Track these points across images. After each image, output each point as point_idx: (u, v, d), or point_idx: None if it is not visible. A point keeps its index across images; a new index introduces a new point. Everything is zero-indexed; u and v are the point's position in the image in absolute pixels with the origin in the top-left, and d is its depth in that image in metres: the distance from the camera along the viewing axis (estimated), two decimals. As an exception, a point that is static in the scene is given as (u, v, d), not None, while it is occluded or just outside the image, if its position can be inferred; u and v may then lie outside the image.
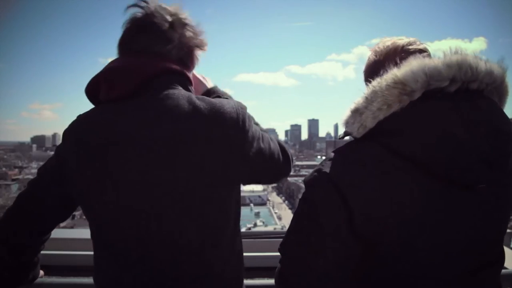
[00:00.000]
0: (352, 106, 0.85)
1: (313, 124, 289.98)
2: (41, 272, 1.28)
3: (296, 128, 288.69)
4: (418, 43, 0.98)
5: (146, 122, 0.89)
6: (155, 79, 0.94)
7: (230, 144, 0.91)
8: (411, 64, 0.80)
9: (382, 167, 0.79)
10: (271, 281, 1.00)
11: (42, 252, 1.66)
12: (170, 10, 1.01)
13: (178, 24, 1.01)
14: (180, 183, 0.89)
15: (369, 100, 0.82)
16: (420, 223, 0.77)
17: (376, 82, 0.82)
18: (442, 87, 0.80)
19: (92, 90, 0.98)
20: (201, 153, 0.88)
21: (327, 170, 0.81)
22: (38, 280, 1.26)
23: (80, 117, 0.98)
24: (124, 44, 1.01)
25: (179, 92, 0.93)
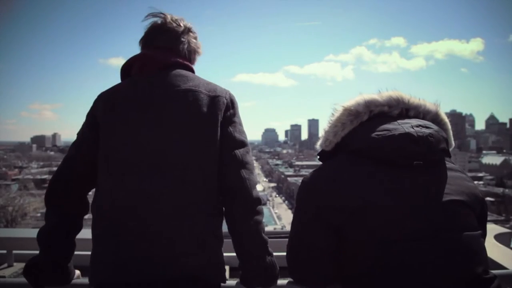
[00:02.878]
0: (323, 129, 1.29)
1: (313, 124, 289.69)
2: (77, 272, 1.35)
3: (296, 128, 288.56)
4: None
5: (164, 86, 1.28)
6: (172, 66, 1.34)
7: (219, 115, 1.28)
8: (355, 97, 1.25)
9: (345, 167, 1.13)
10: None
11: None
12: (180, 20, 1.43)
13: (186, 31, 1.43)
14: (181, 134, 1.23)
15: (331, 122, 1.25)
16: (377, 197, 1.05)
17: (335, 111, 1.25)
18: (385, 111, 1.19)
19: (125, 68, 1.38)
20: (200, 115, 1.25)
21: (308, 177, 1.21)
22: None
23: (112, 87, 1.36)
24: (148, 40, 1.41)
25: (187, 71, 1.36)
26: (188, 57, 1.41)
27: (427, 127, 1.10)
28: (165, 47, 1.37)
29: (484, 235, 1.14)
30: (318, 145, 1.30)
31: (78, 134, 1.34)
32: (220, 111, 1.28)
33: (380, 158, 1.07)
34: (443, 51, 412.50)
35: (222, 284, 1.26)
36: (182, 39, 1.40)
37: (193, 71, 1.40)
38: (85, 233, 1.20)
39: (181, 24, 1.42)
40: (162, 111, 1.23)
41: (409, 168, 1.06)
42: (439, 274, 0.98)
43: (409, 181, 1.06)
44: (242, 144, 1.30)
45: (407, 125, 1.09)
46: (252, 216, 1.24)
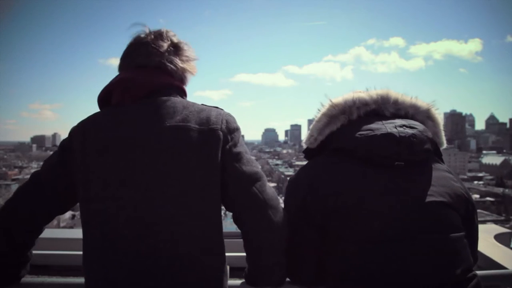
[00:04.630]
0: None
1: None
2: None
3: (296, 128, 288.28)
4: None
5: (148, 122, 1.08)
6: (161, 89, 1.14)
7: (218, 145, 1.09)
8: (344, 95, 1.22)
9: (328, 165, 1.13)
10: None
11: (42, 252, 1.64)
12: (166, 33, 1.21)
13: (175, 47, 1.20)
14: (172, 181, 1.05)
15: (317, 119, 1.22)
16: (358, 197, 1.05)
17: (322, 107, 1.22)
18: (373, 109, 1.17)
19: (104, 96, 1.16)
20: (190, 152, 1.06)
21: (293, 176, 1.21)
22: (39, 279, 1.28)
23: (89, 117, 1.15)
24: (127, 59, 1.20)
25: (175, 99, 1.14)
26: (178, 76, 1.20)
27: (411, 127, 1.08)
28: (149, 66, 1.16)
29: (471, 235, 1.12)
30: (303, 143, 1.27)
31: (45, 168, 1.15)
32: (216, 149, 1.08)
33: (362, 157, 1.07)
34: (442, 52, 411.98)
35: (232, 283, 1.23)
36: (170, 55, 1.18)
37: (184, 93, 1.22)
38: (76, 233, 1.14)
39: (168, 38, 1.20)
40: (146, 157, 1.05)
41: (391, 168, 1.06)
42: (418, 275, 0.98)
43: (391, 181, 1.05)
44: (256, 176, 1.12)
45: (391, 125, 1.08)
46: (282, 254, 1.16)
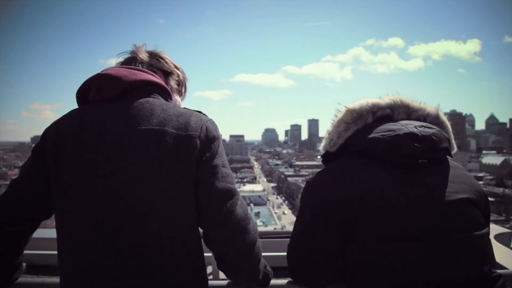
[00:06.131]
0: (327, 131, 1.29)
1: (313, 124, 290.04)
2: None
3: (296, 128, 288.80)
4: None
5: (124, 125, 1.03)
6: (139, 88, 1.09)
7: (193, 155, 1.03)
8: (359, 100, 1.26)
9: (347, 167, 1.15)
10: (272, 281, 1.26)
11: (42, 252, 1.64)
12: (147, 49, 1.25)
13: (154, 55, 1.24)
14: (144, 180, 1.00)
15: (334, 123, 1.25)
16: (375, 197, 1.06)
17: (339, 112, 1.25)
18: (387, 114, 1.22)
19: (82, 92, 1.13)
20: (162, 154, 1.01)
21: (313, 178, 1.23)
22: (39, 279, 1.28)
23: (63, 118, 1.12)
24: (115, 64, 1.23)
25: (154, 101, 1.08)
26: (160, 76, 1.20)
27: (429, 127, 1.13)
28: (127, 65, 1.16)
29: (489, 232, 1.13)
30: (321, 147, 1.28)
31: (21, 175, 1.12)
32: (192, 157, 1.03)
33: (384, 157, 1.09)
34: (441, 52, 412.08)
35: (216, 283, 1.25)
36: (149, 58, 1.21)
37: (168, 93, 1.17)
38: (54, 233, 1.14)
39: (149, 52, 1.23)
40: (116, 161, 1.00)
41: (413, 167, 1.08)
42: (445, 273, 0.98)
43: (414, 180, 1.07)
44: (227, 194, 1.07)
45: (411, 126, 1.12)
46: (256, 267, 1.17)
